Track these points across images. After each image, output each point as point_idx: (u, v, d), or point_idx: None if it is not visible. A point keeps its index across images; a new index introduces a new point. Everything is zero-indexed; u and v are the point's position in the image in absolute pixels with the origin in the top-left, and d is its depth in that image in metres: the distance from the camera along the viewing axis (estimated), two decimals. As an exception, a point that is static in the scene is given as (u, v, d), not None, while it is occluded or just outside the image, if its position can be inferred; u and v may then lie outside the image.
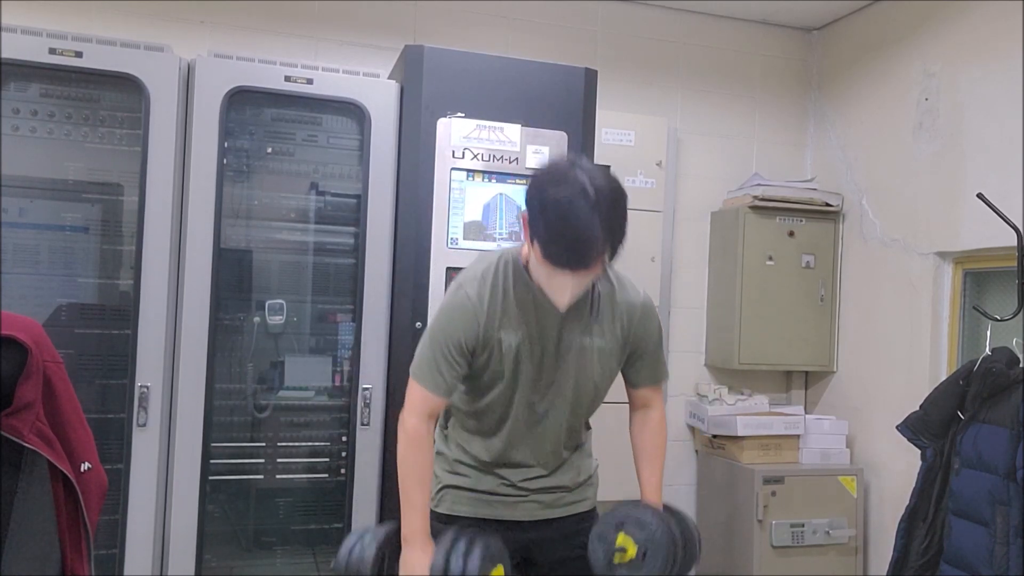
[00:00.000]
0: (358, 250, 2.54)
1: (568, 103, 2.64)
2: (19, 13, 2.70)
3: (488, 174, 2.58)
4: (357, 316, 2.53)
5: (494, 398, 1.77)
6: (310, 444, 2.63)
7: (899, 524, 2.55)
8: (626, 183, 3.28)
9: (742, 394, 3.53)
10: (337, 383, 2.66)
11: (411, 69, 2.52)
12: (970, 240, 2.92)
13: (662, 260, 3.45)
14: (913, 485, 2.55)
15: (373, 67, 2.76)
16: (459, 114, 2.53)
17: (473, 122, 2.55)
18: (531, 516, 1.85)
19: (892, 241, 3.30)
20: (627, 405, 1.93)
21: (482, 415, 1.81)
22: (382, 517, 2.51)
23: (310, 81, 2.50)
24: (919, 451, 2.55)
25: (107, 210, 2.49)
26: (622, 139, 3.34)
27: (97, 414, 2.36)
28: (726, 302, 3.54)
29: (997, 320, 2.50)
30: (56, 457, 1.44)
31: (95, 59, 2.33)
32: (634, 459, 1.91)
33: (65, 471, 1.45)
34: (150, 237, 2.36)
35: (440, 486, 1.86)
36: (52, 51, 2.29)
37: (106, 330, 2.44)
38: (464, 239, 2.55)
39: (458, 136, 2.53)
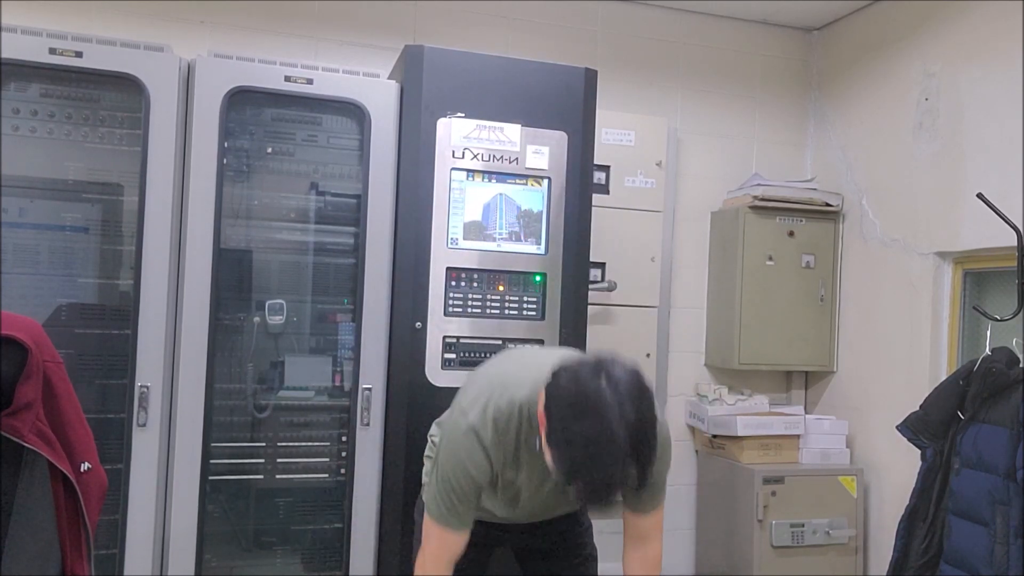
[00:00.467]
0: (358, 250, 2.54)
1: (568, 103, 2.64)
2: (19, 13, 2.70)
3: (488, 174, 2.58)
4: (357, 316, 2.53)
5: (485, 501, 1.79)
6: (310, 444, 2.63)
7: (899, 524, 2.56)
8: (626, 183, 3.35)
9: (742, 394, 3.53)
10: (337, 383, 2.66)
11: (411, 69, 2.52)
12: (970, 240, 2.92)
13: (662, 260, 3.45)
14: (913, 485, 2.55)
15: (373, 67, 2.76)
16: (459, 114, 2.53)
17: (473, 122, 2.55)
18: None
19: (892, 241, 3.30)
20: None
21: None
22: (382, 517, 2.51)
23: (310, 81, 2.49)
24: (919, 451, 2.56)
25: (107, 210, 2.49)
26: (622, 139, 3.35)
27: (97, 414, 2.36)
28: (726, 302, 3.54)
29: (997, 320, 2.50)
30: (56, 457, 1.44)
31: (95, 59, 2.33)
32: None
33: (65, 471, 1.45)
34: (150, 237, 2.36)
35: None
36: (52, 51, 2.29)
37: (106, 330, 2.44)
38: (464, 239, 2.55)
39: (458, 136, 2.53)
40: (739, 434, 3.31)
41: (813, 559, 3.24)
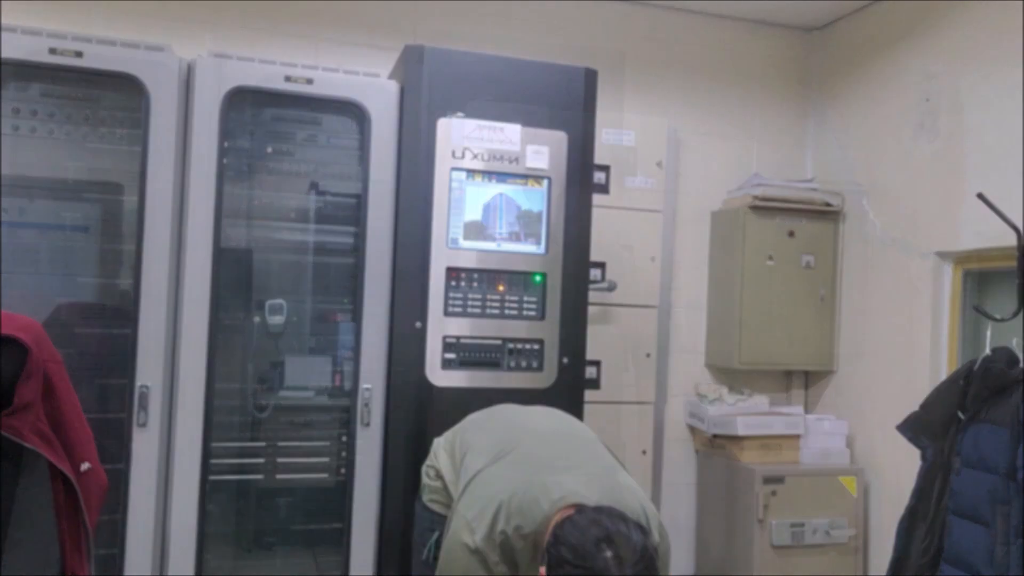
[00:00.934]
0: (358, 250, 2.54)
1: (568, 103, 2.64)
2: (19, 13, 2.70)
3: (488, 174, 2.58)
4: (357, 316, 2.53)
5: None
6: (310, 444, 2.63)
7: (899, 524, 2.55)
8: (626, 183, 3.35)
9: (742, 394, 3.54)
10: (337, 383, 2.66)
11: (411, 69, 2.52)
12: (970, 240, 2.92)
13: (662, 260, 3.46)
14: (913, 485, 2.55)
15: (373, 67, 2.76)
16: (459, 114, 2.53)
17: (473, 122, 2.55)
18: None
19: (892, 241, 3.30)
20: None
21: None
22: (383, 517, 2.51)
23: (310, 81, 2.49)
24: (919, 451, 2.55)
25: (107, 210, 2.49)
26: (622, 139, 3.35)
27: (97, 414, 2.35)
28: (726, 302, 3.54)
29: (997, 320, 2.50)
30: (56, 457, 1.44)
31: (95, 59, 2.32)
32: None
33: (65, 471, 1.45)
34: (150, 237, 2.36)
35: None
36: (52, 51, 2.29)
37: (106, 330, 2.44)
38: (464, 239, 2.55)
39: (458, 136, 2.53)
40: (739, 434, 3.31)
41: (813, 559, 3.24)
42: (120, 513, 2.33)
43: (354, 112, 2.56)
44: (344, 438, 2.59)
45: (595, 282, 3.10)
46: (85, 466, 1.50)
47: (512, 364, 2.56)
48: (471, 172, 2.56)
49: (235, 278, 2.57)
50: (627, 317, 3.36)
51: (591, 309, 2.74)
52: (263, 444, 2.60)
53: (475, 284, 2.55)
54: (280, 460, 2.60)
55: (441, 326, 2.51)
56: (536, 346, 2.58)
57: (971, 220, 2.90)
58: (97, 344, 2.43)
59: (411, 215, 2.51)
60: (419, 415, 2.46)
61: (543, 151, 2.60)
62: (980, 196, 2.52)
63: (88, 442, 1.55)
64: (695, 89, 3.69)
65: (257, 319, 2.60)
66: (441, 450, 2.02)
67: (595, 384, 3.21)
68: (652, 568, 1.44)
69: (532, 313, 2.59)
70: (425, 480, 2.02)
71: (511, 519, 1.61)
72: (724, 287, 3.57)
